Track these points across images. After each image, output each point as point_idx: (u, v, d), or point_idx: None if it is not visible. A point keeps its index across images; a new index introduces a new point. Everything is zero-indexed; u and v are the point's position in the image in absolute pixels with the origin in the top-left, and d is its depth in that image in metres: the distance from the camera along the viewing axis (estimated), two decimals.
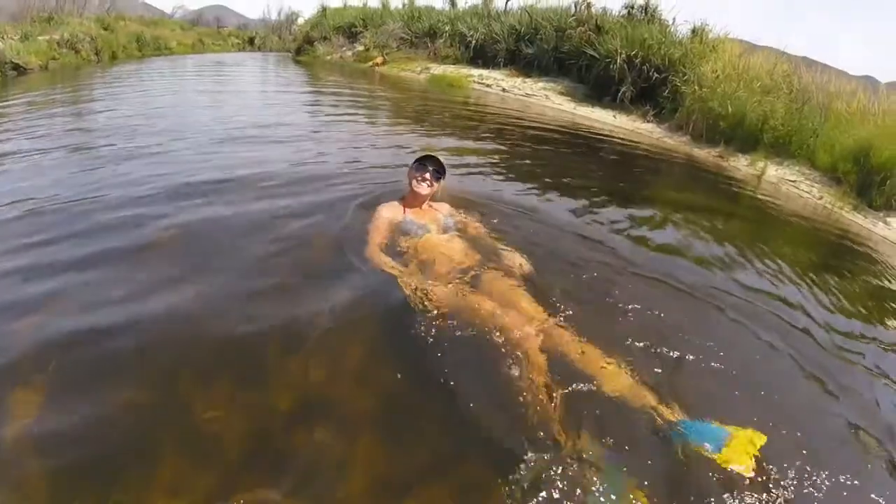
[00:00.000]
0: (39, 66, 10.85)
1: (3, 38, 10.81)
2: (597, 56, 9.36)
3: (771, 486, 1.37)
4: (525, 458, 1.36)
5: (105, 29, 14.96)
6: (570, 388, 1.61)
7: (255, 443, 1.44)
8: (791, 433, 1.61)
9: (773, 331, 2.27)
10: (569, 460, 1.35)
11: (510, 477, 1.31)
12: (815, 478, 1.43)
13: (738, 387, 1.83)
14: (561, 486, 1.29)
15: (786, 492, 1.37)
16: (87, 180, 3.23)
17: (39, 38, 12.11)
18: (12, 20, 13.30)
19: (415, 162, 2.59)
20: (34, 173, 3.41)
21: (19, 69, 10.09)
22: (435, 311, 1.91)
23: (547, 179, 4.31)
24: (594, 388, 1.63)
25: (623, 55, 8.85)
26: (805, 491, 1.39)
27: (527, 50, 11.27)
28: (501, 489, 1.29)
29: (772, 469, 1.41)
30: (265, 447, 1.43)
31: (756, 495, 1.33)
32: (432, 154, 2.59)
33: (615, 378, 1.67)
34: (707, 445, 1.36)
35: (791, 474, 1.42)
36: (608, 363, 1.73)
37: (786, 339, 2.23)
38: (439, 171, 2.58)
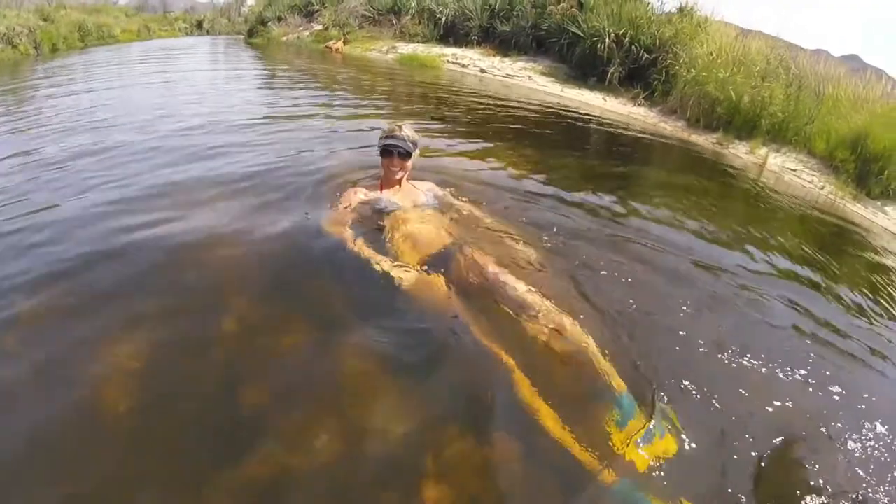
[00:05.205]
0: None
1: None
2: (581, 34, 8.65)
3: None
4: None
5: (45, 20, 13.20)
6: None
7: None
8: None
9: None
10: None
11: None
12: None
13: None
14: None
15: None
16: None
17: None
18: None
19: (380, 146, 2.39)
20: None
21: None
22: (393, 290, 1.83)
23: (540, 165, 3.98)
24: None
25: (612, 34, 8.16)
26: None
27: (502, 27, 10.46)
28: None
29: None
30: None
31: None
32: (394, 132, 2.34)
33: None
34: None
35: None
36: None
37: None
38: (405, 149, 2.35)
